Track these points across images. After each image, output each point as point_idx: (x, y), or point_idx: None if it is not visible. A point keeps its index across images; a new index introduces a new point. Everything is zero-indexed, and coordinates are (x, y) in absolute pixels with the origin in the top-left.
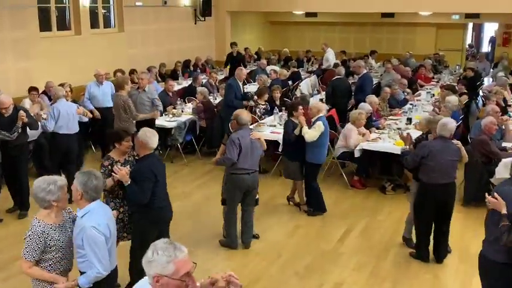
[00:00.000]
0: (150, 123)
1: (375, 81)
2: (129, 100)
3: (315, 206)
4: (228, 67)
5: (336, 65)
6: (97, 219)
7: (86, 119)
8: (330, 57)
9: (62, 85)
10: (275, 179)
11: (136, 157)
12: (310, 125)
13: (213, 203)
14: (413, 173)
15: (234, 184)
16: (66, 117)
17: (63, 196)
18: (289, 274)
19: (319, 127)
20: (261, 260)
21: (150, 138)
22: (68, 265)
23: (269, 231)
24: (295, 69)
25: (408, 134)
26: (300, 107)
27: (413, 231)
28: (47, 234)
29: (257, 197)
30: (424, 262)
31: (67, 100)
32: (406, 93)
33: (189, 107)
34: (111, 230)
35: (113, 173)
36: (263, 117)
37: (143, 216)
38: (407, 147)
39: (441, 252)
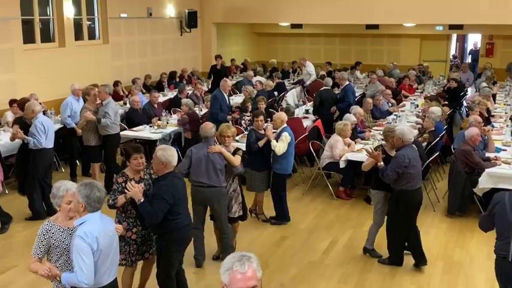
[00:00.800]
0: (114, 139)
1: (360, 91)
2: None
3: (281, 216)
4: (211, 79)
5: (322, 76)
6: (87, 229)
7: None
8: (312, 70)
9: (26, 100)
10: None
11: (153, 175)
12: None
13: None
14: (375, 183)
15: (191, 195)
16: (51, 131)
17: (63, 205)
18: (275, 286)
19: (286, 138)
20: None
21: (172, 156)
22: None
23: (255, 243)
24: (280, 80)
25: (377, 150)
26: (260, 118)
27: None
28: (52, 233)
29: (239, 213)
30: (404, 270)
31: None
32: (390, 104)
33: (174, 118)
34: (100, 243)
35: (125, 190)
36: (248, 128)
37: (168, 238)
38: (382, 163)
39: (423, 255)
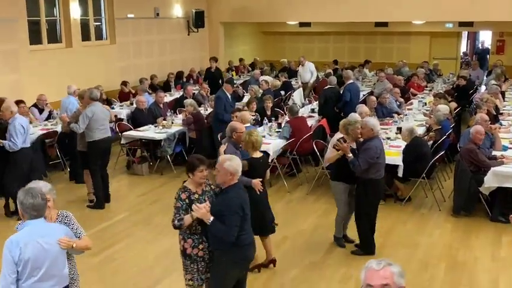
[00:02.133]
0: (89, 146)
1: (368, 90)
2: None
3: None
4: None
5: (327, 75)
6: (14, 237)
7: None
8: (313, 69)
9: (2, 100)
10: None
11: (215, 187)
12: None
13: None
14: (336, 175)
15: None
16: (27, 131)
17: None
18: (276, 286)
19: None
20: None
21: (239, 166)
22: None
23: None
24: (287, 79)
25: (346, 143)
26: (237, 132)
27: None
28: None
29: None
30: (405, 270)
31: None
32: (398, 103)
33: (179, 118)
34: (25, 253)
35: (191, 211)
36: (254, 128)
37: (227, 255)
38: (350, 155)
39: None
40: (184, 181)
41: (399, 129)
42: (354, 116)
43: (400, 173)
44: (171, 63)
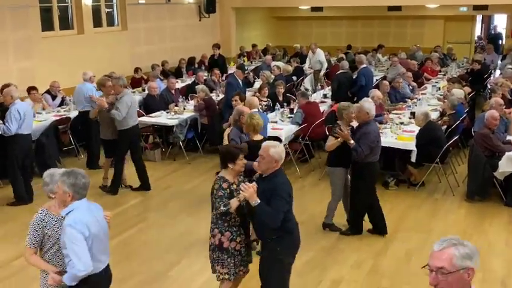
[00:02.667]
0: (121, 135)
1: (381, 74)
2: None
3: None
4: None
5: (340, 59)
6: (75, 217)
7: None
8: (322, 58)
9: (7, 85)
10: None
11: (251, 177)
12: None
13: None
14: (335, 161)
15: None
16: (28, 117)
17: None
18: None
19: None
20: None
21: (283, 152)
22: (64, 261)
23: None
24: (298, 65)
25: (346, 130)
26: (244, 115)
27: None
28: (46, 222)
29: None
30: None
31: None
32: (411, 87)
33: (191, 104)
34: (90, 229)
35: (240, 191)
36: (266, 113)
37: (282, 243)
38: (352, 141)
39: (384, 223)
40: (217, 172)
41: (412, 114)
42: (366, 100)
43: (414, 158)
44: (183, 49)
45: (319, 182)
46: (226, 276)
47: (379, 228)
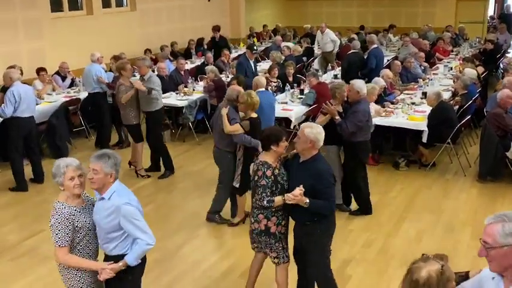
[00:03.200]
0: (148, 117)
1: (393, 55)
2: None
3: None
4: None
5: (351, 39)
6: (126, 196)
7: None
8: (334, 37)
9: (12, 67)
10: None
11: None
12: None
13: None
14: (331, 139)
15: None
16: (27, 100)
17: (66, 182)
18: None
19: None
20: None
21: (320, 134)
22: (95, 249)
23: None
24: (309, 46)
25: (333, 106)
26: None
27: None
28: (74, 216)
29: (237, 183)
30: (430, 235)
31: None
32: (423, 67)
33: (200, 85)
34: (139, 206)
35: (285, 198)
36: (275, 94)
37: (320, 225)
38: (338, 118)
39: (370, 204)
40: (257, 155)
41: (424, 94)
42: (377, 80)
43: (425, 139)
44: (192, 30)
45: None
46: (276, 260)
47: (364, 209)
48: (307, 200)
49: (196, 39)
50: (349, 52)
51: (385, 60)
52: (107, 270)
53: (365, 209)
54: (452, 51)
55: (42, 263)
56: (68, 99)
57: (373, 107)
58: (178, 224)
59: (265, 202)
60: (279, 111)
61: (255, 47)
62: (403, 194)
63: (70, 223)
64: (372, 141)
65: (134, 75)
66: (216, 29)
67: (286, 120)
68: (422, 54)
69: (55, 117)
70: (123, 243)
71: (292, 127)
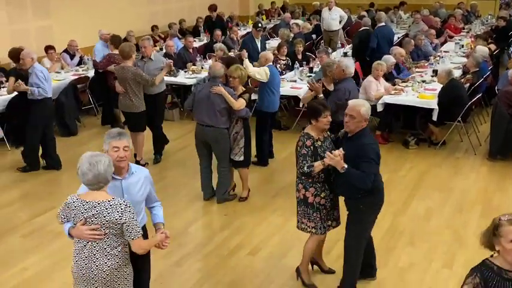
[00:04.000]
0: (156, 100)
1: (403, 32)
2: (138, 69)
3: (260, 158)
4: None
5: (361, 17)
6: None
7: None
8: (343, 14)
9: (21, 49)
10: (296, 135)
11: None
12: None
13: None
14: None
15: (195, 132)
16: (49, 79)
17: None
18: (306, 234)
19: (264, 70)
20: (278, 215)
21: (369, 111)
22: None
23: (287, 188)
24: (318, 23)
25: (316, 83)
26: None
27: None
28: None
29: (240, 157)
30: (440, 214)
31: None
32: (434, 45)
33: (209, 63)
34: None
35: (325, 160)
36: (284, 72)
37: (367, 201)
38: (321, 95)
39: None
40: (303, 128)
41: (435, 71)
42: (387, 57)
43: (435, 117)
44: (200, 7)
45: None
46: (313, 230)
47: None
48: (345, 166)
49: (205, 16)
50: (361, 29)
51: (395, 38)
52: (167, 240)
53: None
54: (463, 28)
55: (52, 240)
56: (76, 77)
57: (383, 85)
58: (187, 202)
59: (305, 168)
60: (288, 90)
61: (259, 24)
62: (412, 172)
63: (135, 214)
64: (382, 120)
65: None
66: (213, 8)
67: (295, 99)
68: (433, 32)
69: (64, 95)
70: (143, 213)
71: (301, 105)
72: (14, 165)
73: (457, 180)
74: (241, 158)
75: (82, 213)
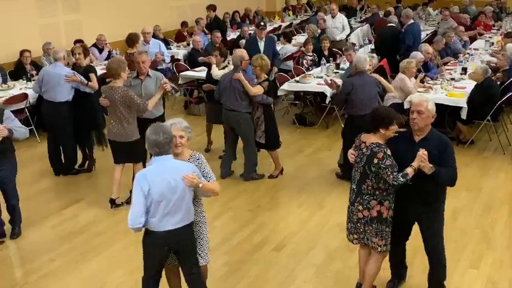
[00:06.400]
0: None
1: (432, 29)
2: (128, 91)
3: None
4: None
5: (387, 13)
6: (145, 170)
7: None
8: (345, 23)
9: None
10: (321, 131)
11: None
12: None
13: (258, 154)
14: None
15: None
16: None
17: None
18: (330, 226)
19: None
20: (303, 211)
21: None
22: None
23: (312, 183)
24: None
25: (332, 80)
26: (244, 59)
27: None
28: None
29: (262, 140)
30: (468, 214)
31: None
32: (463, 42)
33: None
34: (152, 187)
35: (413, 163)
36: (310, 68)
37: (443, 205)
38: (335, 91)
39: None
40: (373, 143)
41: (464, 69)
42: (414, 54)
43: (464, 115)
44: (227, 3)
45: None
46: (384, 248)
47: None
48: (431, 165)
49: (231, 12)
50: (385, 26)
51: (423, 35)
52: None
53: (345, 174)
54: (494, 25)
55: (80, 231)
56: (105, 71)
57: (411, 82)
58: (212, 199)
59: (401, 178)
60: (314, 86)
61: (262, 23)
62: None
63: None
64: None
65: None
66: (212, 8)
67: (322, 95)
68: (463, 28)
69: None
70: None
71: (327, 102)
72: (43, 156)
73: (486, 179)
74: (263, 141)
75: None
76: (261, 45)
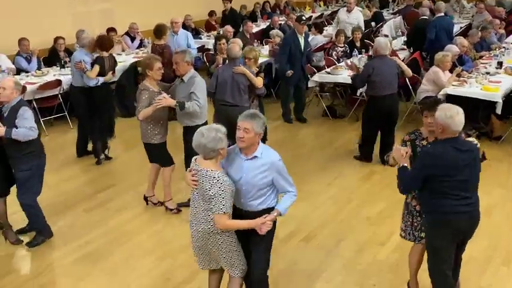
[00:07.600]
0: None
1: (466, 22)
2: (140, 92)
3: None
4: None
5: (418, 5)
6: (276, 154)
7: None
8: (360, 19)
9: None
10: (351, 123)
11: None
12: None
13: (288, 146)
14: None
15: (216, 113)
16: None
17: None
18: (360, 219)
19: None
20: (332, 203)
21: (452, 119)
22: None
23: (341, 176)
24: (378, 10)
25: (352, 62)
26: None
27: None
28: (230, 182)
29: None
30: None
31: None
32: (499, 35)
33: (266, 49)
34: None
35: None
36: (341, 59)
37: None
38: (354, 72)
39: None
40: (411, 131)
41: (500, 63)
42: (450, 47)
43: (499, 110)
44: None
45: (397, 133)
46: (403, 234)
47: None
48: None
49: (262, 2)
50: (419, 19)
51: (457, 28)
52: (267, 223)
53: (364, 155)
54: None
55: (113, 215)
56: (137, 59)
57: (445, 76)
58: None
59: None
60: (346, 77)
61: (303, 17)
62: None
63: (232, 190)
64: None
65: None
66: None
67: (351, 87)
68: (498, 22)
69: (124, 77)
70: (268, 198)
71: (358, 94)
72: (75, 141)
73: None
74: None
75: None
76: (301, 40)
